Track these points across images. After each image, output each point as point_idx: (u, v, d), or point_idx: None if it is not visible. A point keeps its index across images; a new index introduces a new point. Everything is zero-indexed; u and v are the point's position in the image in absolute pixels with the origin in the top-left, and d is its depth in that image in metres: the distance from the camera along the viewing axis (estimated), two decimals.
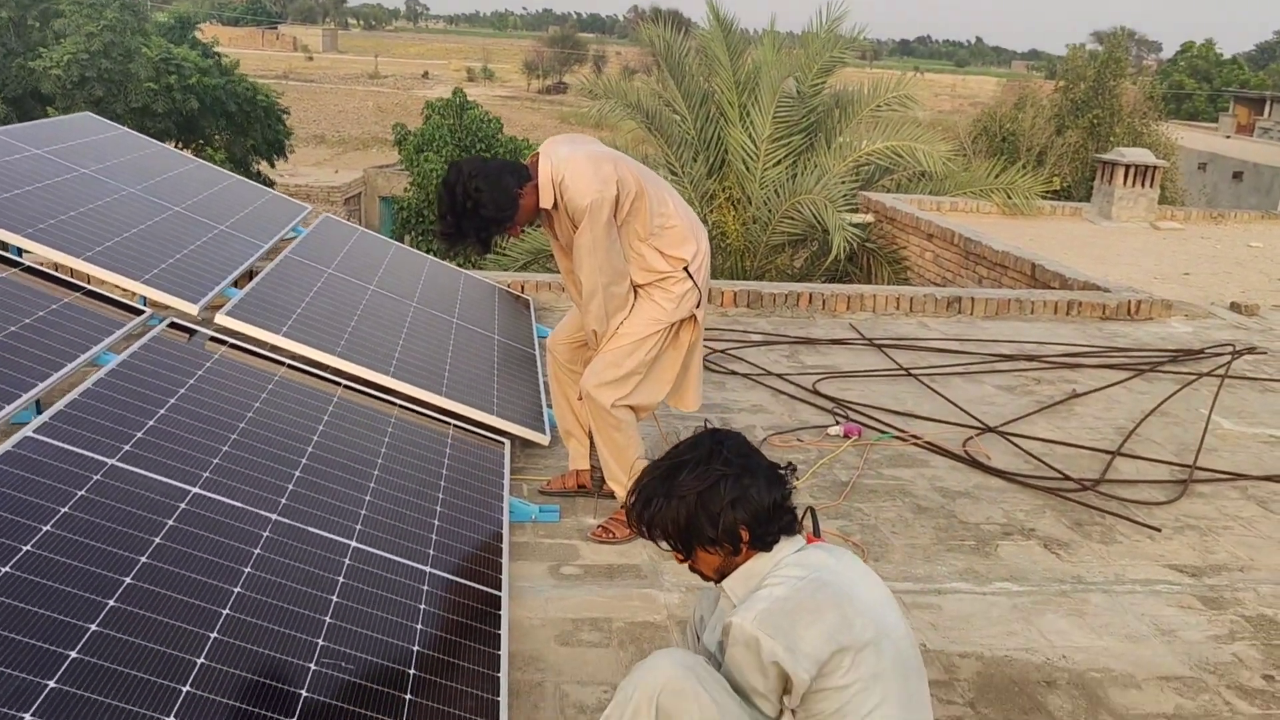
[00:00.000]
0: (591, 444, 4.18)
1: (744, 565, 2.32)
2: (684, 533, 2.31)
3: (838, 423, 5.46)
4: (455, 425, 4.54)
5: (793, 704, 2.15)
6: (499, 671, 2.90)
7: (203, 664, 2.38)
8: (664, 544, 2.38)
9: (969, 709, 3.14)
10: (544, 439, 4.87)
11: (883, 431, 5.41)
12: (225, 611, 2.59)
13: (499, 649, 3.00)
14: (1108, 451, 5.28)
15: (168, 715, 2.20)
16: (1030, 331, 7.60)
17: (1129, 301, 8.08)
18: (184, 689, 2.29)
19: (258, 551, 2.92)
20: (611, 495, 4.37)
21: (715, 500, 2.27)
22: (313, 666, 2.56)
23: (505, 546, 3.68)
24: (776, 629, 2.13)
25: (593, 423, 4.07)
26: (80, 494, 2.81)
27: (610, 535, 4.03)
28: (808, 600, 2.17)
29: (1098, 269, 9.94)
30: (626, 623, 3.49)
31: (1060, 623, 3.66)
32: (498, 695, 2.80)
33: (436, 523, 3.59)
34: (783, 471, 2.38)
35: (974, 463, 5.06)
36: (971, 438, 5.37)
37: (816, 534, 2.41)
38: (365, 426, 4.12)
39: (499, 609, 3.23)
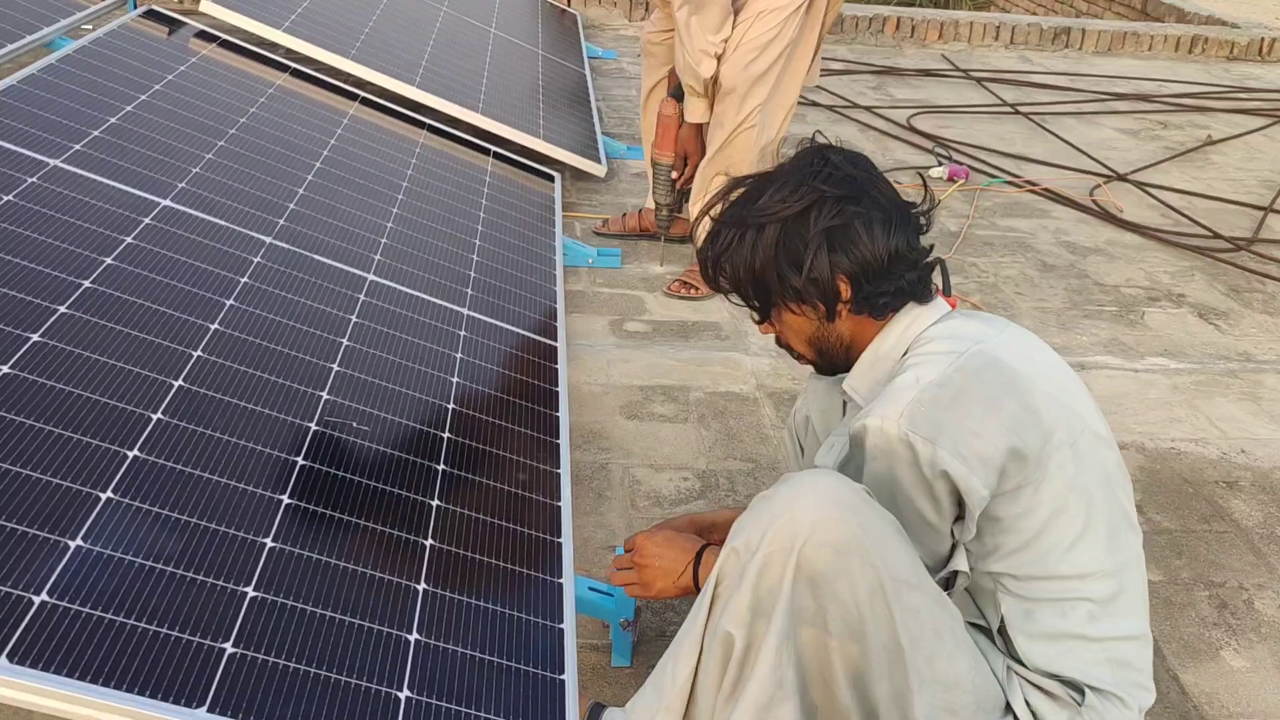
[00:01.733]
0: (655, 172, 3.41)
1: (868, 349, 1.62)
2: (758, 279, 1.60)
3: (940, 163, 4.66)
4: (495, 155, 3.78)
5: (964, 536, 1.49)
6: (558, 437, 2.27)
7: (159, 420, 1.75)
8: (734, 297, 1.68)
9: (1137, 513, 2.51)
10: (599, 169, 4.12)
11: (993, 175, 4.61)
12: (196, 354, 1.94)
13: (557, 409, 2.36)
14: (1258, 207, 4.47)
15: (104, 491, 1.59)
16: (1149, 69, 6.63)
17: (1261, 39, 7.04)
18: (130, 453, 1.66)
19: (244, 280, 2.25)
20: (682, 238, 3.65)
21: (803, 231, 1.55)
22: (313, 426, 1.93)
23: (560, 290, 3.00)
24: (935, 426, 1.44)
25: (721, 136, 3.22)
26: (5, 199, 2.13)
27: (691, 290, 3.34)
28: (973, 384, 1.47)
29: (1218, 5, 8.76)
30: (705, 393, 2.84)
31: (1232, 409, 2.99)
32: (558, 467, 2.18)
33: (475, 258, 2.90)
34: (915, 207, 1.64)
35: (1105, 215, 4.29)
36: (1099, 185, 4.57)
37: (947, 293, 1.69)
38: (386, 149, 3.37)
39: (555, 362, 2.58)
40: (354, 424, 2.00)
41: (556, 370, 2.56)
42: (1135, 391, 3.03)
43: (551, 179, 3.85)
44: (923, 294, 1.60)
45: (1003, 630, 1.53)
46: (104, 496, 1.59)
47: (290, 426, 1.91)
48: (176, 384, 1.87)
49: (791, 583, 1.40)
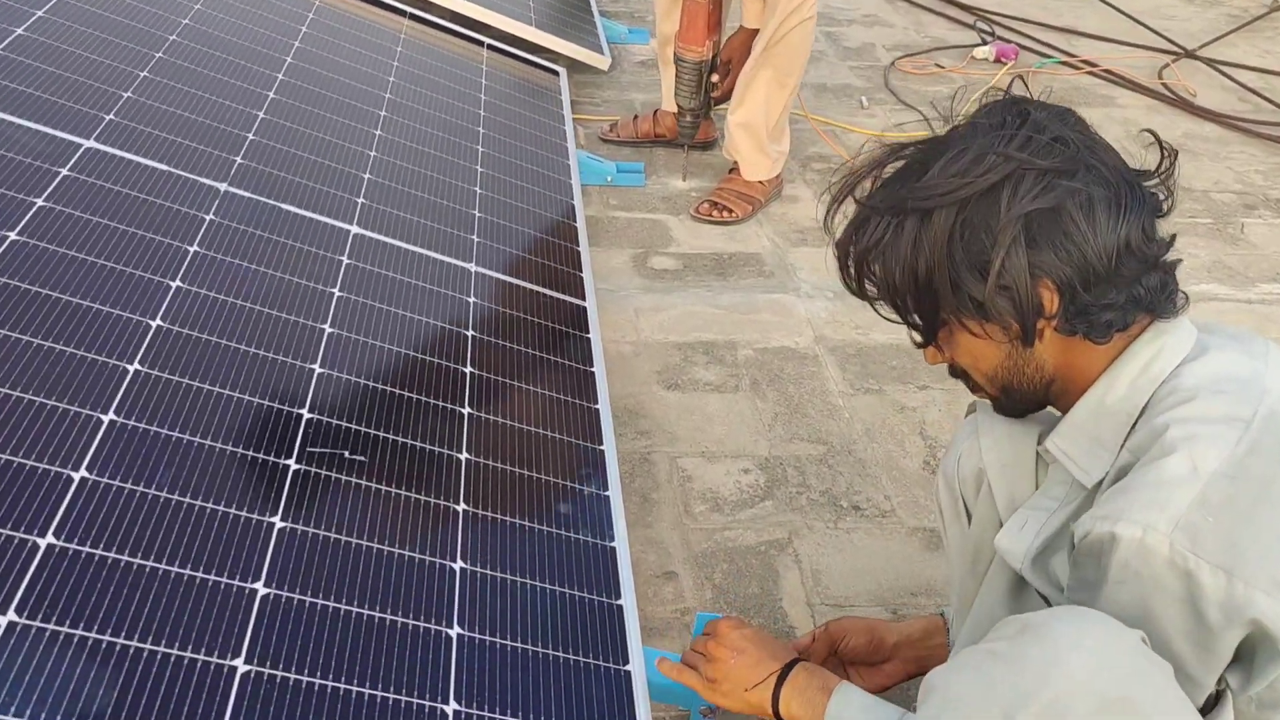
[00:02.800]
0: (679, 71, 2.88)
1: (1088, 395, 1.15)
2: (922, 286, 1.14)
3: (985, 41, 4.12)
4: (490, 47, 3.23)
5: (1250, 689, 1.05)
6: (601, 442, 1.85)
7: (82, 480, 1.30)
8: (882, 306, 1.21)
9: None
10: (603, 60, 3.57)
11: (1046, 55, 4.08)
12: (131, 367, 1.48)
13: (596, 400, 1.92)
14: None
15: (77, 470, 1.16)
16: None
17: None
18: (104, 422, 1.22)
19: (193, 249, 1.77)
20: (706, 144, 3.14)
21: (990, 219, 1.08)
22: (292, 465, 1.48)
23: (581, 226, 2.51)
24: (1232, 548, 0.99)
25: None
26: None
27: (724, 213, 2.85)
28: (1275, 468, 1.03)
29: None
30: (755, 350, 2.39)
31: None
32: (606, 489, 1.76)
33: (479, 190, 2.40)
34: (1148, 176, 1.16)
35: (1178, 100, 3.78)
36: (1167, 65, 4.05)
37: None
38: (363, 50, 2.82)
39: (586, 329, 2.12)
40: (345, 453, 1.55)
41: (589, 341, 2.10)
42: (1254, 329, 2.58)
43: (556, 74, 3.31)
44: (1165, 306, 1.13)
45: None
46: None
47: (255, 466, 1.45)
48: (107, 419, 1.40)
49: None
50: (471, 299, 2.03)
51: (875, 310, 1.22)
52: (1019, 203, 1.07)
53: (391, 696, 1.26)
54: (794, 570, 1.84)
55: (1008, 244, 1.07)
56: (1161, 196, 1.15)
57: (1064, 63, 4.03)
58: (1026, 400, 1.21)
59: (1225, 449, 1.02)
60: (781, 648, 1.32)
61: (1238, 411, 1.05)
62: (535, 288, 2.18)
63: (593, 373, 2.00)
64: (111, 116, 2.01)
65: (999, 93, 1.19)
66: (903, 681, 1.52)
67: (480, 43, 3.22)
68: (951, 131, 1.14)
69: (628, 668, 1.44)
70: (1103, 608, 1.03)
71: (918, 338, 1.20)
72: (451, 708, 1.28)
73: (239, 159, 2.09)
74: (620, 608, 1.53)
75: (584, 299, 2.23)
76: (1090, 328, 1.11)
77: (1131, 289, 1.10)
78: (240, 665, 1.21)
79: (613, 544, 1.63)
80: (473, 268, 2.13)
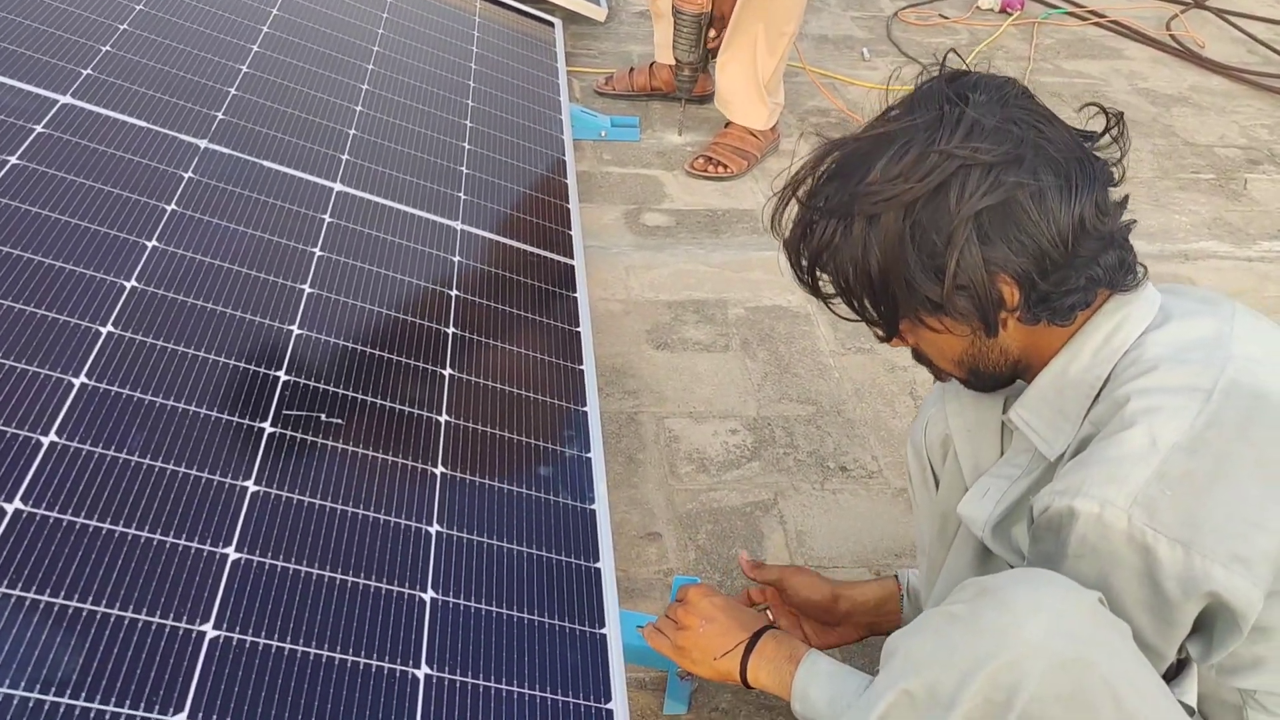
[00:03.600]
0: (677, 24, 2.83)
1: (1051, 367, 1.13)
2: (878, 287, 1.11)
3: None
4: None
5: (1209, 659, 1.05)
6: (582, 363, 1.83)
7: (51, 444, 1.29)
8: (839, 305, 1.18)
9: None
10: (599, 10, 3.52)
11: (1053, 6, 4.01)
12: (105, 330, 1.47)
13: (581, 362, 1.90)
14: None
15: (46, 434, 1.16)
16: None
17: None
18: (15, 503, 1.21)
19: (170, 208, 1.75)
20: (702, 97, 3.09)
21: (939, 218, 1.05)
22: (266, 429, 1.47)
23: (571, 181, 2.48)
24: (1191, 521, 0.98)
25: None
26: None
27: (718, 168, 2.81)
28: (1237, 444, 1.01)
29: None
30: (746, 308, 2.37)
31: None
32: (584, 405, 1.74)
33: (467, 146, 2.37)
34: (1092, 140, 1.13)
35: (1185, 52, 3.72)
36: (1175, 15, 3.97)
37: None
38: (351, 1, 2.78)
39: (573, 289, 2.09)
40: (321, 415, 1.54)
41: (576, 300, 2.07)
42: (1252, 288, 2.56)
43: (551, 25, 3.26)
44: (1124, 279, 1.11)
45: None
46: None
47: (229, 429, 1.44)
48: (78, 382, 1.39)
49: None
50: (457, 258, 2.01)
51: (832, 310, 1.19)
52: (967, 202, 1.04)
53: (363, 661, 1.26)
54: (778, 532, 1.83)
55: (961, 244, 1.04)
56: (1114, 167, 1.11)
57: (1071, 13, 3.95)
58: (994, 380, 1.19)
59: (1184, 421, 1.00)
60: (751, 616, 1.31)
61: (1198, 382, 1.03)
62: (523, 246, 2.15)
63: (579, 333, 1.99)
64: (89, 71, 1.98)
65: (935, 68, 1.15)
66: (854, 643, 1.52)
67: None
68: (889, 121, 1.10)
69: (603, 631, 1.44)
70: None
71: (880, 333, 1.18)
72: (423, 672, 1.28)
73: (220, 114, 2.06)
74: (598, 570, 1.52)
75: (572, 258, 2.20)
76: (1053, 313, 1.09)
77: (1090, 269, 1.07)
78: (209, 630, 1.20)
79: (593, 506, 1.62)
80: (459, 226, 2.10)
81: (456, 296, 1.91)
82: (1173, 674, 1.07)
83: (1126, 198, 1.14)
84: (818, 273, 1.15)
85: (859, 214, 1.08)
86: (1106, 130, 1.14)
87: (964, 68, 1.16)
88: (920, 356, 1.21)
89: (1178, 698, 1.04)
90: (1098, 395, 1.10)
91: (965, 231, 1.04)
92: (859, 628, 1.50)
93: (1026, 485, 1.18)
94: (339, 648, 1.25)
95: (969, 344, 1.13)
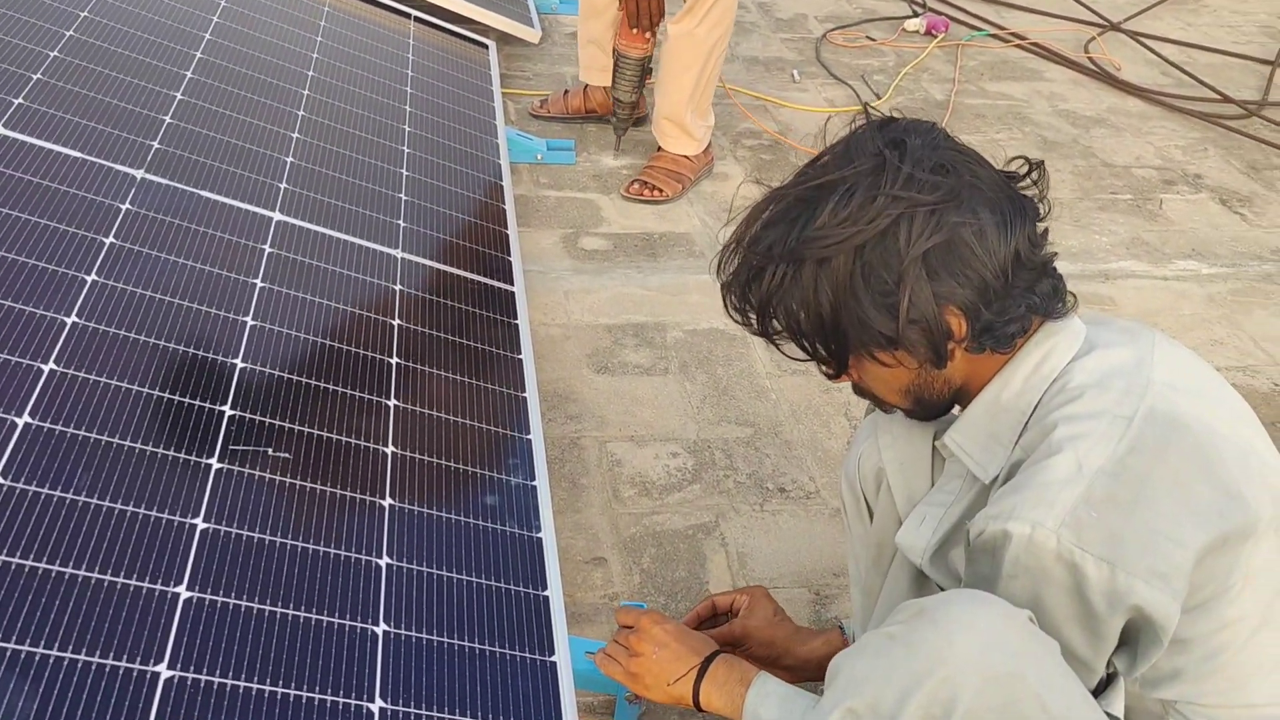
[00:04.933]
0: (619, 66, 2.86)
1: (984, 394, 1.19)
2: (830, 328, 1.16)
3: (916, 14, 4.15)
4: (417, 19, 3.19)
5: (1134, 670, 1.12)
6: (525, 390, 1.85)
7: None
8: (787, 345, 1.22)
9: None
10: (533, 33, 3.55)
11: (976, 28, 4.12)
12: (46, 368, 1.46)
13: (524, 389, 1.92)
14: (1264, 61, 4.06)
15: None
16: None
17: None
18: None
19: (109, 241, 1.74)
20: (637, 120, 3.13)
21: (889, 259, 1.11)
22: (214, 465, 1.48)
23: (509, 207, 2.50)
24: (1115, 540, 1.04)
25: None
26: None
27: (654, 192, 2.85)
28: (1156, 468, 1.07)
29: None
30: (684, 331, 2.41)
31: (1275, 324, 2.65)
32: (533, 479, 1.77)
33: (405, 172, 2.38)
34: (1023, 186, 1.19)
35: (1103, 74, 3.84)
36: (1093, 39, 4.11)
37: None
38: (285, 21, 2.78)
39: (514, 315, 2.12)
40: (268, 450, 1.55)
41: (517, 328, 2.10)
42: (1168, 306, 2.66)
43: (485, 47, 3.29)
44: (1056, 309, 1.18)
45: None
46: None
47: (177, 466, 1.44)
48: (21, 421, 1.38)
49: None
50: (398, 286, 2.02)
51: (780, 350, 1.24)
52: (916, 242, 1.09)
53: (317, 697, 1.27)
54: (720, 553, 1.87)
55: (912, 281, 1.10)
56: (1040, 200, 1.18)
57: (994, 35, 4.07)
58: (937, 409, 1.25)
59: (1108, 448, 1.07)
60: (701, 641, 1.34)
61: (1120, 410, 1.09)
62: (463, 273, 2.17)
63: (520, 360, 2.01)
64: (20, 100, 1.96)
65: (862, 116, 1.21)
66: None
67: (407, 15, 3.18)
68: (827, 170, 1.15)
69: (553, 659, 1.46)
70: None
71: (829, 371, 1.22)
72: (378, 705, 1.29)
73: (156, 144, 2.05)
74: (546, 599, 1.55)
75: (513, 284, 2.23)
76: (996, 341, 1.15)
77: (1028, 298, 1.14)
78: (164, 671, 1.21)
79: (539, 535, 1.65)
80: (399, 254, 2.12)
81: (399, 326, 1.92)
82: (1102, 688, 1.13)
83: (1047, 230, 1.21)
84: (769, 315, 1.19)
85: (809, 258, 1.12)
86: (1028, 174, 1.20)
87: (891, 114, 1.21)
88: (863, 391, 1.26)
89: (1107, 709, 1.10)
90: (1027, 421, 1.16)
91: (916, 270, 1.10)
92: (805, 678, 1.54)
93: (960, 511, 1.24)
94: (294, 684, 1.26)
95: (915, 375, 1.19)
